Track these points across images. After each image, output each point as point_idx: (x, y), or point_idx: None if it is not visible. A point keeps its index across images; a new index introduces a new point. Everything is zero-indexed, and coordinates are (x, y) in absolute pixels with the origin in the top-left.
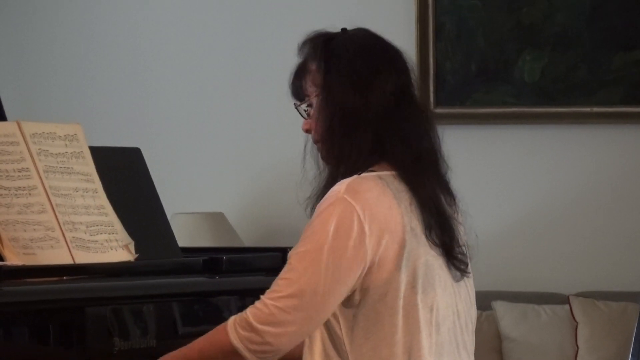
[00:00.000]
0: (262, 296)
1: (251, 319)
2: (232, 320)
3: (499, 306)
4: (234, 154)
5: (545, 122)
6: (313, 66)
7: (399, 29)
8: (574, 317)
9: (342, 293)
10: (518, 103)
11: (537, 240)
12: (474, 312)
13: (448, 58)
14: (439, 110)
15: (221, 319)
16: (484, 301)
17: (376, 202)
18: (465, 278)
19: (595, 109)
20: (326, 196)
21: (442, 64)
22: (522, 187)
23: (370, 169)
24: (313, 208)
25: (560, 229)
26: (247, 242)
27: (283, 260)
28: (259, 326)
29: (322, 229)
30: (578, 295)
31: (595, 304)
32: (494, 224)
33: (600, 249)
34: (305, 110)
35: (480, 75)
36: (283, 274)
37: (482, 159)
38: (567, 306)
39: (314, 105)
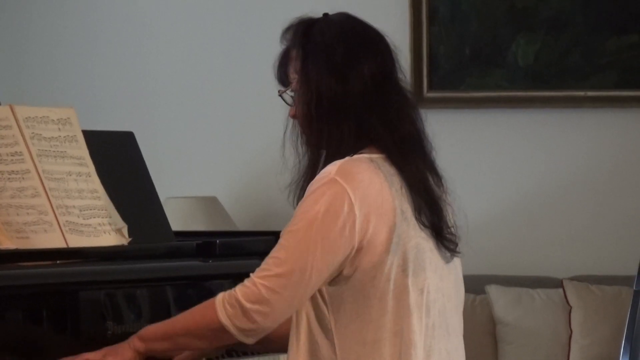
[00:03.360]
0: (251, 274)
1: (240, 297)
2: (220, 297)
3: (493, 290)
4: (228, 138)
5: (538, 106)
6: (293, 52)
7: (393, 14)
8: (567, 301)
9: (330, 273)
10: (512, 87)
11: (531, 224)
12: (462, 293)
13: (442, 42)
14: (432, 95)
15: None
16: (477, 285)
17: (368, 184)
18: (454, 259)
19: (589, 93)
20: (317, 177)
21: (435, 48)
22: (515, 171)
23: (360, 151)
24: (294, 195)
25: (554, 213)
26: (241, 226)
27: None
28: (247, 304)
29: (312, 209)
30: (572, 279)
31: (589, 288)
32: (487, 208)
33: (595, 233)
34: (291, 97)
35: (474, 60)
36: (273, 252)
37: (475, 143)
38: (560, 290)
39: (295, 91)
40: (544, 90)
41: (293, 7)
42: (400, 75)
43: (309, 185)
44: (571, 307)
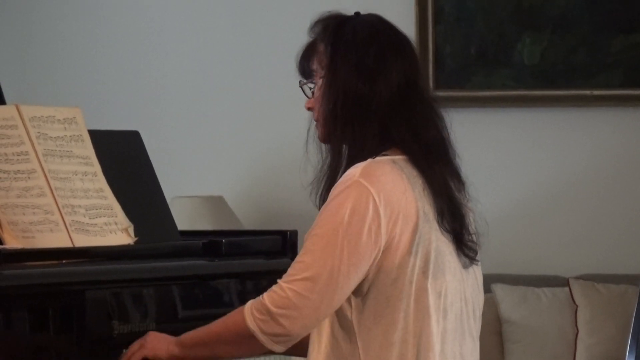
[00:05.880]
0: (279, 280)
1: (267, 303)
2: (249, 304)
3: (499, 289)
4: (234, 137)
5: (544, 105)
6: (321, 47)
7: (399, 12)
8: (573, 300)
9: (358, 276)
10: (518, 86)
11: (537, 223)
12: (481, 298)
13: (447, 41)
14: (438, 94)
15: (221, 302)
16: (483, 284)
17: (391, 186)
18: (473, 265)
19: (595, 92)
20: (341, 179)
21: (441, 47)
22: (521, 170)
23: (383, 153)
24: (317, 194)
25: (560, 211)
26: (247, 226)
27: (283, 244)
28: (274, 309)
29: (338, 212)
30: (578, 278)
31: (595, 287)
32: (493, 207)
33: (600, 231)
34: (310, 89)
35: (480, 59)
36: (299, 257)
37: (481, 142)
38: (567, 289)
39: (318, 85)
40: (550, 89)
41: (299, 6)
42: (422, 83)
43: (333, 188)
44: (577, 306)
